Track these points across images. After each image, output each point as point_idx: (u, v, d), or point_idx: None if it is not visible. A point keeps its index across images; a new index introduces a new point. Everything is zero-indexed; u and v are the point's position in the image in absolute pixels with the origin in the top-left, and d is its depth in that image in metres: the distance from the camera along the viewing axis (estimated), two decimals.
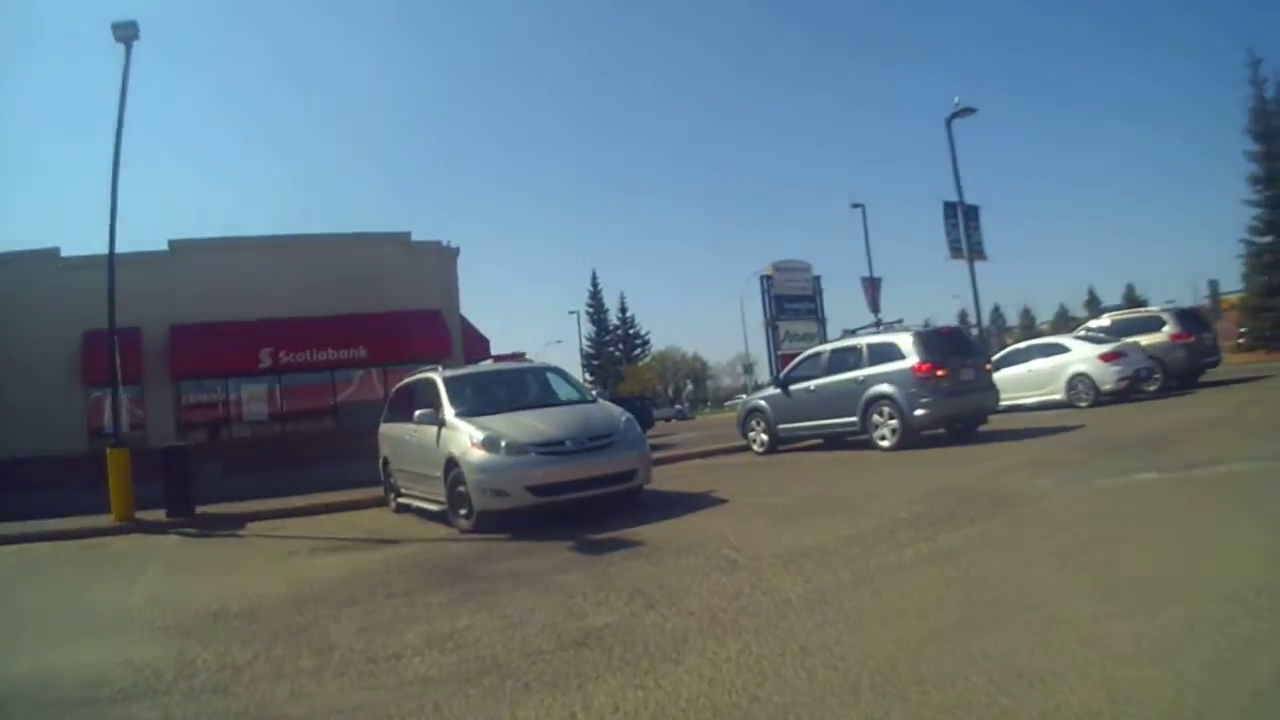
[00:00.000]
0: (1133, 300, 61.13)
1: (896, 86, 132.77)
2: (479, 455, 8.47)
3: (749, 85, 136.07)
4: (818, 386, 13.97)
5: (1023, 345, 21.23)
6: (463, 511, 8.85)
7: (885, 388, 12.73)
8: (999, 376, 15.40)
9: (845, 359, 13.74)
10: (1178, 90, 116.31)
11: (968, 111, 24.81)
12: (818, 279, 35.14)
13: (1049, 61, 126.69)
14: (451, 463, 8.89)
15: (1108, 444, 10.15)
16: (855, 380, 13.21)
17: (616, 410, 9.75)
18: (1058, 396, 17.95)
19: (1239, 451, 8.13)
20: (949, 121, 25.01)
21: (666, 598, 4.96)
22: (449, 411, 9.39)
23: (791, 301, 33.77)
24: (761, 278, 33.50)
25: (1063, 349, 18.74)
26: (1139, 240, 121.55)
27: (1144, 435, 10.59)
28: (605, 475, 8.67)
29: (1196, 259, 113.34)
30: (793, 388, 14.48)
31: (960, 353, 13.56)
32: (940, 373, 12.53)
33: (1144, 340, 18.95)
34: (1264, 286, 35.74)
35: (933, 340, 13.19)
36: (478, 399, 9.74)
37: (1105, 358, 17.59)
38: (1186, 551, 4.76)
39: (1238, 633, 3.29)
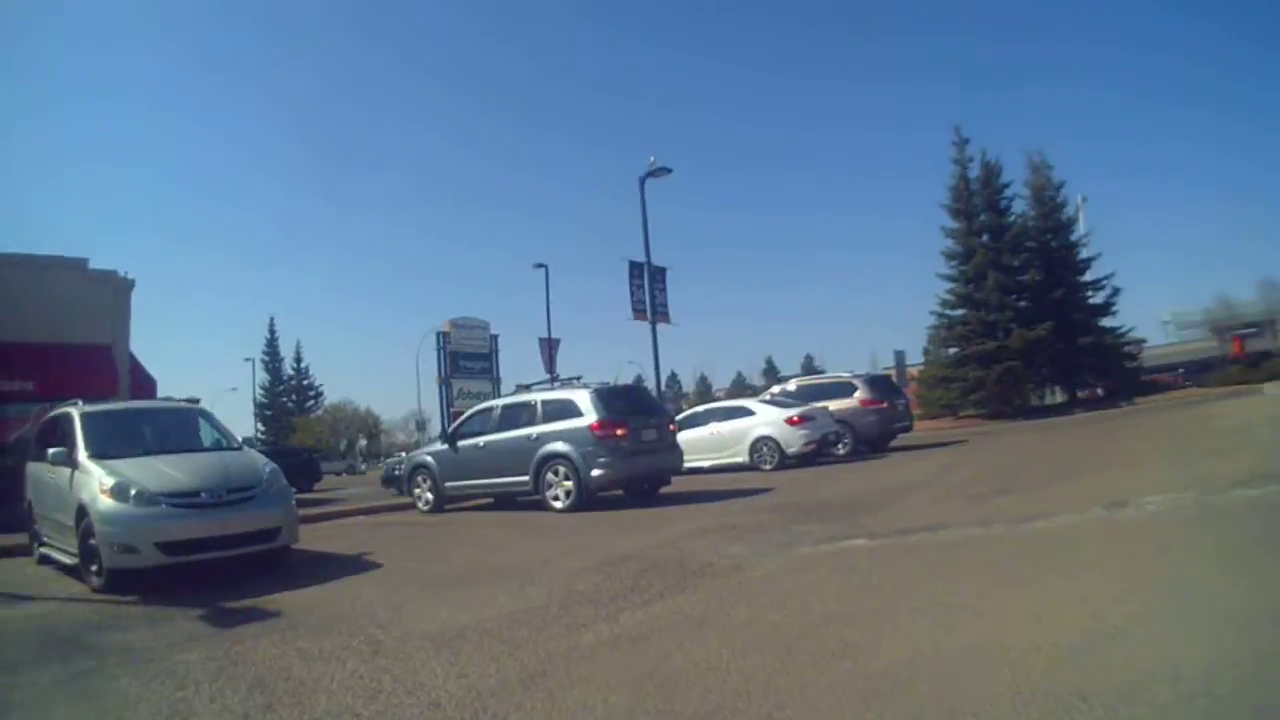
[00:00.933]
0: (810, 370, 67.47)
1: (585, 156, 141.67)
2: (108, 504, 8.43)
3: (436, 144, 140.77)
4: (488, 443, 14.38)
5: (703, 408, 22.62)
6: (94, 568, 8.71)
7: (561, 446, 13.25)
8: (680, 438, 15.97)
9: (519, 415, 14.29)
10: (879, 165, 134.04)
11: (663, 171, 26.69)
12: (495, 338, 39.94)
13: (746, 125, 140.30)
14: (82, 511, 8.80)
15: (803, 508, 10.56)
16: (528, 438, 13.69)
17: (260, 460, 9.98)
18: (740, 459, 19.12)
19: (954, 516, 8.39)
20: (643, 181, 26.82)
21: (291, 693, 4.54)
22: (82, 452, 9.40)
23: (467, 359, 38.38)
24: (438, 334, 37.65)
25: (747, 412, 20.11)
26: (820, 311, 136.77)
27: (841, 499, 11.16)
28: (244, 533, 8.80)
29: (878, 333, 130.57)
30: (461, 443, 14.91)
31: (642, 411, 14.29)
32: (619, 431, 13.11)
33: (835, 405, 20.82)
34: (953, 358, 40.67)
35: (612, 398, 13.84)
36: (115, 438, 9.80)
37: (791, 421, 18.99)
38: (947, 638, 4.19)
39: None
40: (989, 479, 11.67)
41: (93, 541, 8.54)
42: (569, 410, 13.42)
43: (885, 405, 21.51)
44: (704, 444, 19.50)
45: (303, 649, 5.43)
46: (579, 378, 15.08)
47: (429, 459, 15.57)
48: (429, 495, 15.32)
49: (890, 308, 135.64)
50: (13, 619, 7.45)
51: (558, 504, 13.00)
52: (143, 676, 5.07)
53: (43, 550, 10.97)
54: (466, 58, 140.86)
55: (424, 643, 5.29)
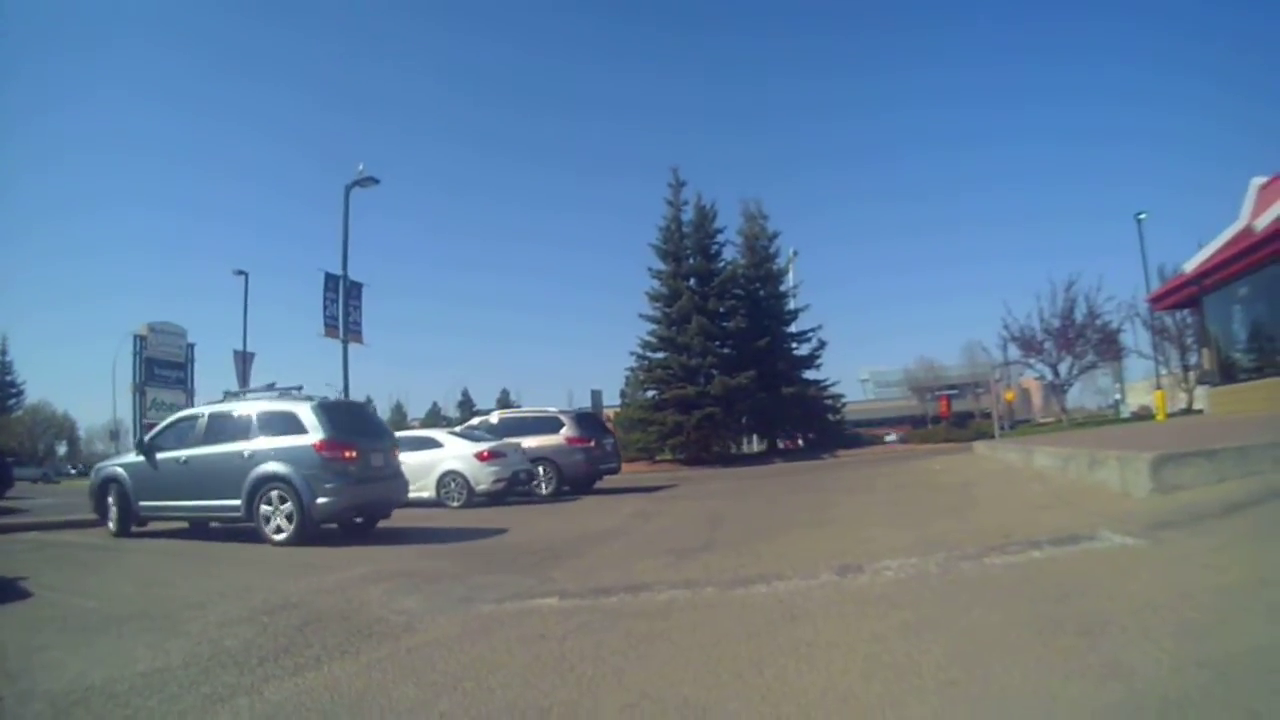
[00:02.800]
0: (506, 404, 68.42)
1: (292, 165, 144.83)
2: None
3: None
4: (191, 458, 13.04)
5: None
6: None
7: (280, 467, 12.14)
8: None
9: (228, 427, 13.05)
10: (590, 198, 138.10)
11: (370, 181, 27.02)
12: (191, 346, 41.19)
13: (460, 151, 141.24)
14: None
15: (489, 554, 10.27)
16: (241, 455, 12.50)
17: None
18: (427, 494, 18.61)
19: (658, 573, 7.70)
20: (348, 189, 26.99)
21: None
22: None
23: (163, 367, 39.25)
24: (135, 337, 38.02)
25: (435, 443, 19.72)
26: (519, 346, 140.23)
27: (531, 545, 10.81)
28: None
29: (577, 372, 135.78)
30: (160, 455, 13.46)
31: (369, 433, 13.61)
32: (349, 454, 12.32)
33: (540, 441, 20.93)
34: (652, 401, 41.45)
35: (340, 414, 13.06)
36: None
37: (481, 456, 18.76)
38: None
39: None
40: (694, 530, 11.21)
41: None
42: (290, 424, 12.44)
43: (592, 444, 21.71)
44: None
45: None
46: (299, 388, 13.86)
47: (121, 472, 13.97)
48: (117, 514, 13.83)
49: (590, 347, 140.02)
50: None
51: (279, 535, 11.84)
52: None
53: None
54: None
55: (44, 706, 4.84)
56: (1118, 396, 61.87)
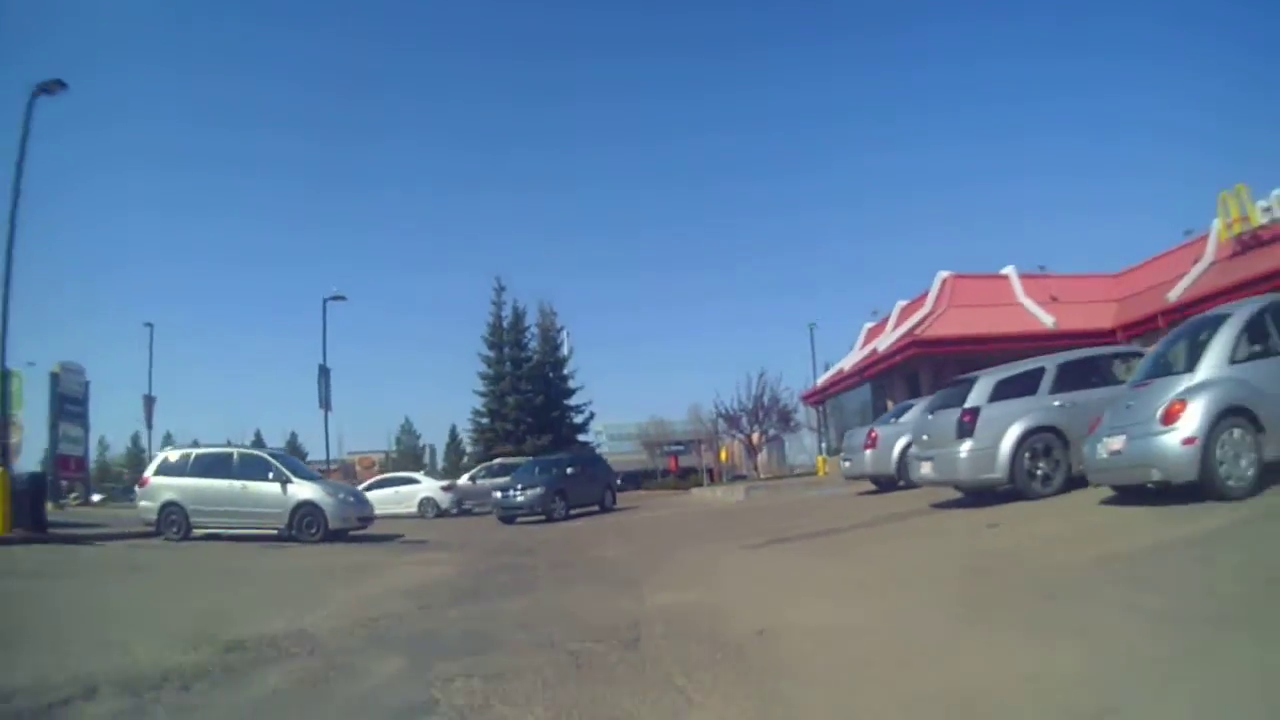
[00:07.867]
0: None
1: None
2: (330, 500, 14.01)
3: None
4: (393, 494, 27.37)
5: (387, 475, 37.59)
6: (314, 531, 13.18)
7: (435, 494, 27.93)
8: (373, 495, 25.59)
9: (400, 479, 28.54)
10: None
11: (339, 298, 41.07)
12: (87, 384, 45.36)
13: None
14: (306, 503, 13.54)
15: (411, 542, 23.16)
16: (413, 481, 27.47)
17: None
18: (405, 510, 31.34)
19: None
20: (325, 303, 40.29)
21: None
22: (291, 476, 14.17)
23: (72, 404, 43.04)
24: (51, 374, 41.88)
25: (414, 480, 33.78)
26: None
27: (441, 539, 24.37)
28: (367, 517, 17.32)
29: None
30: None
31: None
32: (450, 486, 30.86)
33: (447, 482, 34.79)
34: (481, 455, 55.46)
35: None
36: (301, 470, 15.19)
37: (446, 489, 32.67)
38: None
39: None
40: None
41: (310, 518, 13.81)
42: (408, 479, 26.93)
43: None
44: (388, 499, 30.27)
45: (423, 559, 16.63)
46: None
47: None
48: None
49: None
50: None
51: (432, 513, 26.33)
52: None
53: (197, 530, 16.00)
54: None
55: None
56: (819, 457, 72.96)
